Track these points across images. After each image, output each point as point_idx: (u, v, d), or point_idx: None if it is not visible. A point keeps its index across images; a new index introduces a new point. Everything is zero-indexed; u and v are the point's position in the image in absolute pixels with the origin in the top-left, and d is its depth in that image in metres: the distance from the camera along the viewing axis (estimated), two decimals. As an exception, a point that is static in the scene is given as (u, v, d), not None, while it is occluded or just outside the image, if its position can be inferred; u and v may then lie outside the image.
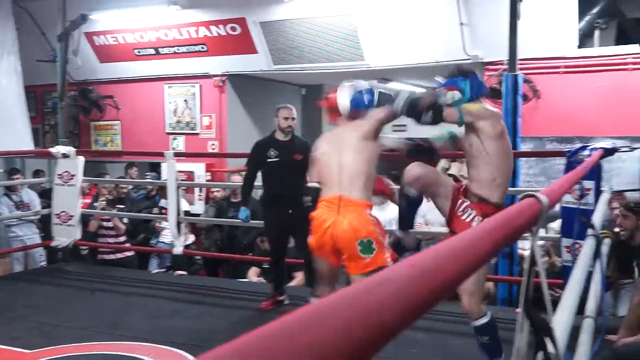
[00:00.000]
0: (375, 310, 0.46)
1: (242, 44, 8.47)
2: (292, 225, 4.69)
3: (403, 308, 0.50)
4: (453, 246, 0.74)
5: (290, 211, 4.65)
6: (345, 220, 3.21)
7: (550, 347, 1.07)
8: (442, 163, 9.50)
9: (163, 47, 9.02)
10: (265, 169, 4.83)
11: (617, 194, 5.60)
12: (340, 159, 3.36)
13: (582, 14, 7.07)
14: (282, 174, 4.76)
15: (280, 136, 4.85)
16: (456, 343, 4.22)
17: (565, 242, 4.63)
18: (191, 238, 7.00)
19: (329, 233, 3.28)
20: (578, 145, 5.06)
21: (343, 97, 3.53)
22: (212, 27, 8.49)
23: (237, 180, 7.45)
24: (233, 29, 8.36)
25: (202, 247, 7.17)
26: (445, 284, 0.64)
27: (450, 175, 9.18)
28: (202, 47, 8.79)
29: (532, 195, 1.06)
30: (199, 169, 8.93)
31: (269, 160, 4.76)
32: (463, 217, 3.17)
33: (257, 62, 8.59)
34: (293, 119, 4.87)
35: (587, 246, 2.34)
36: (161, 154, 6.48)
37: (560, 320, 1.38)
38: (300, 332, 0.40)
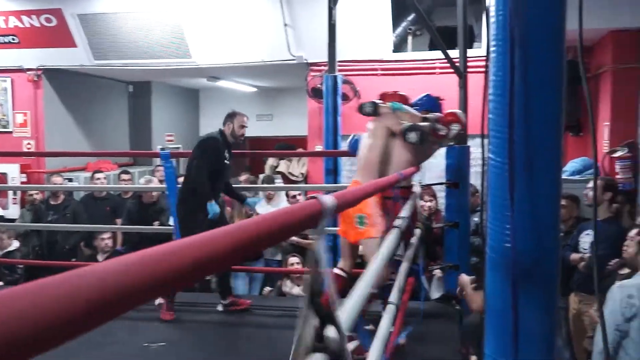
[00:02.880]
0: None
1: (59, 37, 7.96)
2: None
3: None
4: (228, 231, 0.78)
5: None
6: None
7: (332, 333, 1.16)
8: (271, 161, 9.71)
9: (-33, 37, 8.21)
10: (217, 170, 4.57)
11: (427, 187, 6.09)
12: (361, 152, 4.10)
13: (399, 20, 7.58)
14: (226, 177, 4.71)
15: (230, 139, 4.64)
16: (285, 335, 4.35)
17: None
18: (15, 244, 6.40)
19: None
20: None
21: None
22: (24, 17, 7.89)
23: (58, 181, 7.01)
24: (48, 20, 7.83)
25: (20, 255, 6.63)
26: (214, 261, 0.70)
27: (278, 172, 9.41)
28: (13, 39, 8.13)
29: (316, 197, 1.14)
30: (12, 170, 8.25)
31: (225, 162, 4.61)
32: None
33: (76, 57, 8.12)
34: (247, 127, 4.72)
35: (391, 237, 2.52)
36: (-36, 155, 5.91)
37: (347, 308, 1.49)
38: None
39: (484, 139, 1.60)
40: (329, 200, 1.16)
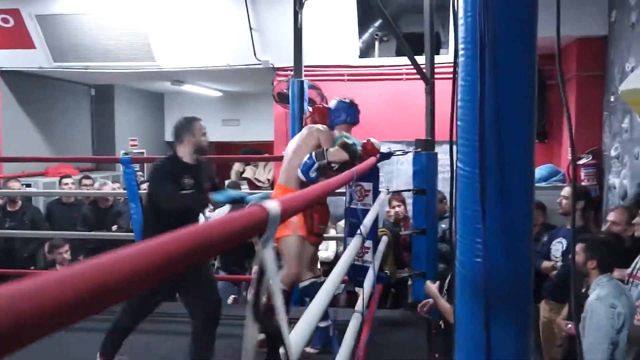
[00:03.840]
0: None
1: (17, 38, 7.70)
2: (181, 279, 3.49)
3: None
4: (161, 242, 0.70)
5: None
6: None
7: (281, 350, 1.08)
8: (237, 167, 9.59)
9: None
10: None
11: (396, 194, 6.05)
12: (286, 153, 4.17)
13: (365, 26, 7.55)
14: (192, 209, 3.73)
15: (189, 159, 3.65)
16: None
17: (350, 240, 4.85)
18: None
19: None
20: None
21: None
22: (-20, 18, 7.62)
23: (15, 187, 6.77)
24: (5, 20, 7.58)
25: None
26: (145, 276, 0.64)
27: (244, 178, 9.30)
28: (-31, 40, 7.85)
29: (260, 204, 1.05)
30: (-33, 175, 7.95)
31: (184, 192, 3.57)
32: None
33: (35, 58, 7.87)
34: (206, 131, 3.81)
35: (352, 246, 2.45)
36: None
37: (305, 321, 1.40)
38: None
39: (452, 145, 1.53)
40: (274, 206, 1.07)
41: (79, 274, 0.55)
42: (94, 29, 7.51)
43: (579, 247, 3.43)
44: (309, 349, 3.99)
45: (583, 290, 3.72)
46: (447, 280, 3.77)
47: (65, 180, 6.88)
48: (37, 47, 7.77)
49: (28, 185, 7.93)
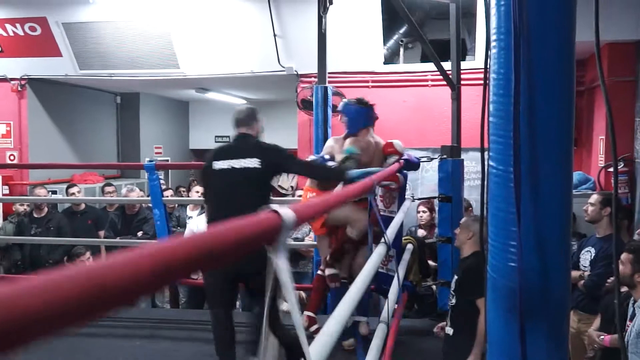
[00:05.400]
0: None
1: (44, 46, 7.78)
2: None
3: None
4: (157, 249, 0.64)
5: None
6: None
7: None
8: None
9: (-53, 45, 8.02)
10: None
11: (424, 201, 5.95)
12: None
13: (390, 33, 7.47)
14: None
15: None
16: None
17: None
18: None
19: None
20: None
21: None
22: (8, 26, 7.70)
23: (42, 194, 6.82)
24: (32, 28, 7.66)
25: (2, 269, 6.45)
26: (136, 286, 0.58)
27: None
28: (-4, 48, 7.96)
29: (275, 210, 0.98)
30: (-6, 182, 8.04)
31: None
32: None
33: (61, 66, 7.94)
34: None
35: (376, 254, 2.36)
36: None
37: (327, 331, 1.33)
38: None
39: (483, 149, 1.44)
40: (288, 213, 1.00)
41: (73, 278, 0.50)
42: (119, 37, 7.55)
43: (624, 256, 3.28)
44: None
45: (615, 300, 3.57)
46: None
47: (71, 190, 6.95)
48: (63, 55, 7.84)
49: (54, 192, 7.98)
